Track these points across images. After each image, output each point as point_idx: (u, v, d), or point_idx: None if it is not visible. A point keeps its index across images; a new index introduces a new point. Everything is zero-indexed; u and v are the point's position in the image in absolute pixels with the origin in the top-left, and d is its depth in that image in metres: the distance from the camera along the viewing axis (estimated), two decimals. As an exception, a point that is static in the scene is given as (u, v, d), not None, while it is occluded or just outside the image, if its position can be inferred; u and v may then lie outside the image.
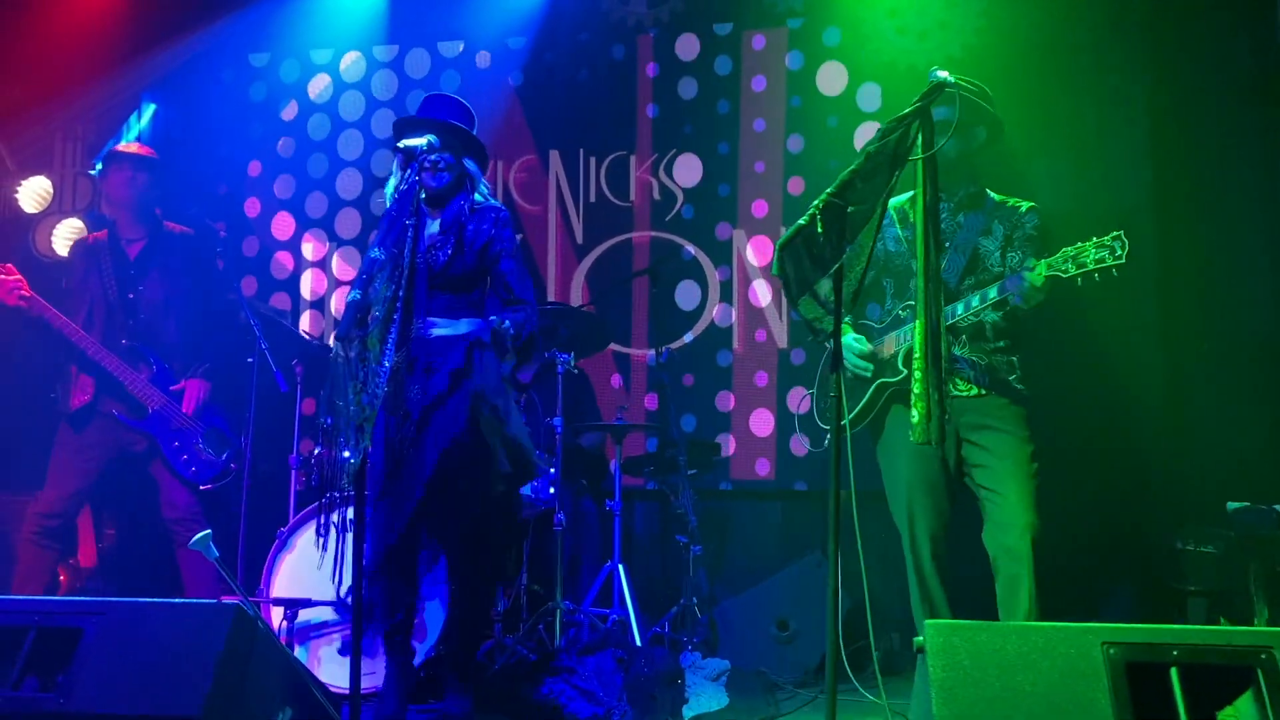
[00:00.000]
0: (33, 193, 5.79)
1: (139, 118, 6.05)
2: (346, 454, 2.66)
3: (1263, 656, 2.13)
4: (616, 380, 5.50)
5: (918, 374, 2.78)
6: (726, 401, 5.39)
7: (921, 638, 2.11)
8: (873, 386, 3.41)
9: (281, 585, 3.85)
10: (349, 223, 5.86)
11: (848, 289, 2.57)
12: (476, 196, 3.30)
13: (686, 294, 5.50)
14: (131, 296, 4.36)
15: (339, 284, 5.82)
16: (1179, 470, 4.49)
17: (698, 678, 3.99)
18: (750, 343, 5.43)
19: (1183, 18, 5.00)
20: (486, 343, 3.22)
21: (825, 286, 2.53)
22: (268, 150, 5.96)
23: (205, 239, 4.60)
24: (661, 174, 5.61)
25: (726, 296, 5.47)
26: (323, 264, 5.88)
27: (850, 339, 3.47)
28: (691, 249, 5.53)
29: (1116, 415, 4.60)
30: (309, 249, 5.88)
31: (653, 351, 5.42)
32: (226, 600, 2.26)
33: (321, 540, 3.48)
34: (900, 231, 3.56)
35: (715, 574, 5.15)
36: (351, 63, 5.94)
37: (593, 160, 5.70)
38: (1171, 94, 5.02)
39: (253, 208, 5.94)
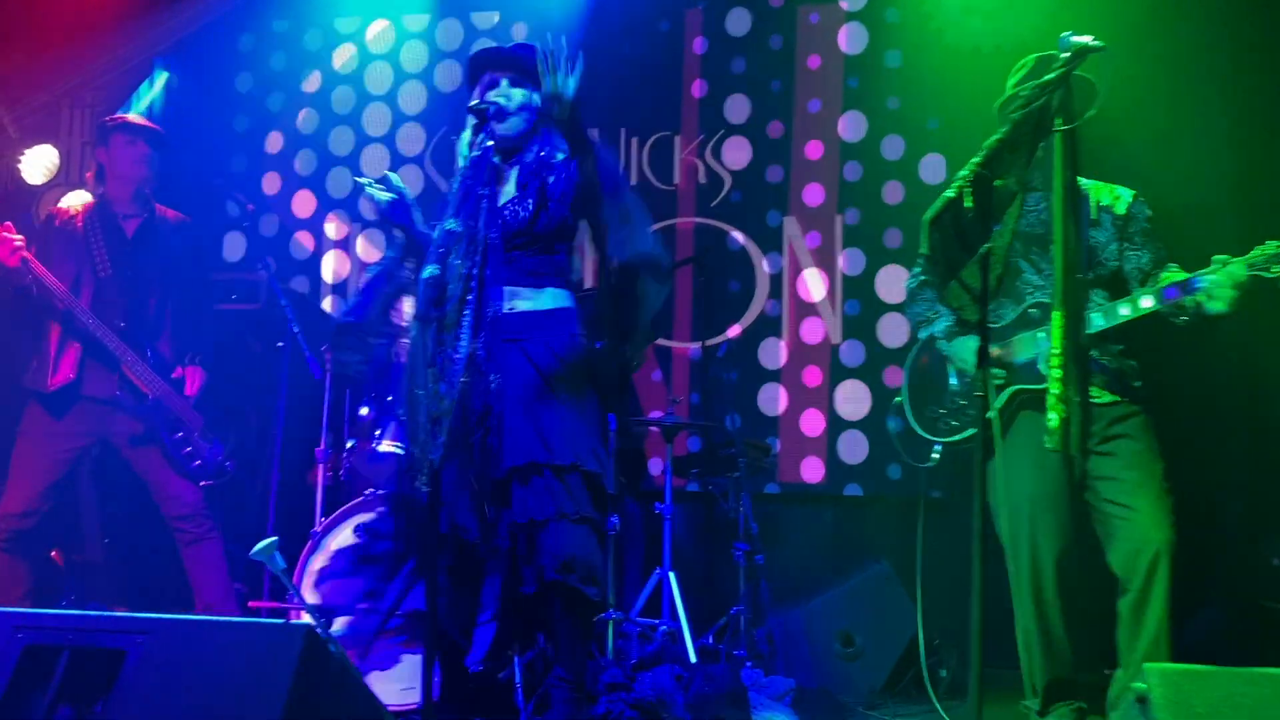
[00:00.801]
0: (38, 163, 5.41)
1: (151, 86, 5.69)
2: (418, 451, 2.32)
3: None
4: (657, 374, 5.19)
5: (1055, 374, 2.48)
6: (774, 399, 5.08)
7: (1143, 684, 1.82)
8: (1006, 393, 3.07)
9: (314, 589, 3.52)
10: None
11: (992, 274, 2.27)
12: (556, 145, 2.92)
13: (733, 284, 5.18)
14: (130, 274, 4.00)
15: (363, 266, 5.49)
16: (1272, 480, 4.21)
17: (762, 697, 3.69)
18: (800, 337, 5.12)
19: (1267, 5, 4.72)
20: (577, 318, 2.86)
21: (971, 271, 2.22)
22: (288, 123, 5.62)
23: (200, 226, 4.28)
24: (708, 156, 5.30)
25: (776, 288, 5.16)
26: (345, 245, 5.54)
27: (971, 342, 3.12)
28: (739, 236, 5.22)
29: (1204, 420, 4.31)
30: (331, 229, 5.54)
31: (696, 345, 5.12)
32: (295, 620, 1.94)
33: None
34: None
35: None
36: (379, 32, 5.60)
37: (635, 140, 5.38)
38: (1254, 86, 4.73)
39: (271, 184, 5.59)
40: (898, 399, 3.40)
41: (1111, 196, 3.18)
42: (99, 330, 3.83)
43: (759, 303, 5.16)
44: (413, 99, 5.54)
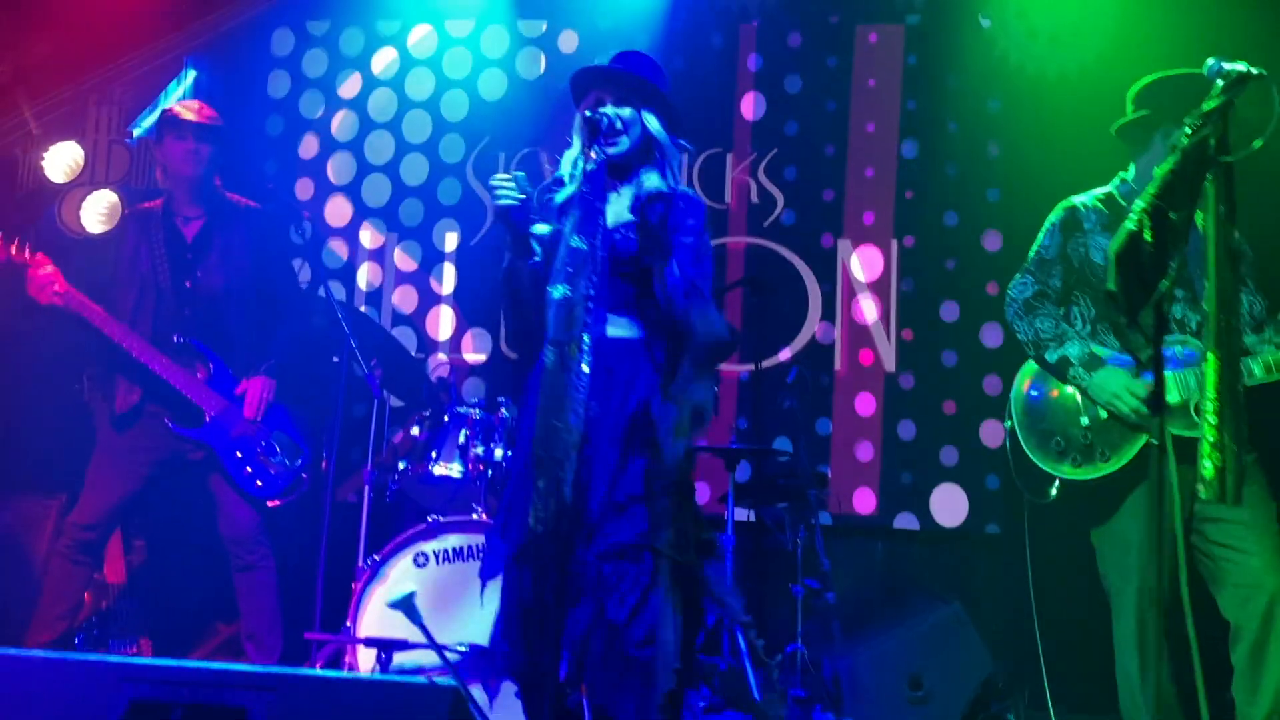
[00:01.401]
0: (61, 160, 5.22)
1: (180, 84, 5.49)
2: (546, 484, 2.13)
3: None
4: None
5: (1211, 419, 2.33)
6: (825, 427, 4.93)
7: None
8: (1145, 437, 2.91)
9: (373, 621, 3.33)
10: (412, 211, 5.33)
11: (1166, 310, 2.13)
12: (666, 176, 2.76)
13: (785, 307, 5.03)
14: (188, 285, 3.81)
15: (401, 277, 5.29)
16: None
17: (837, 743, 3.52)
18: (853, 364, 4.97)
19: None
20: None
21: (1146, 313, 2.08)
22: (323, 128, 5.43)
23: (274, 215, 4.07)
24: (761, 175, 5.15)
25: (829, 312, 5.02)
26: (380, 255, 5.35)
27: (1125, 379, 2.98)
28: (794, 259, 5.07)
29: None
30: (366, 237, 5.34)
31: (747, 368, 4.96)
32: (440, 680, 1.75)
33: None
34: (1109, 240, 3.09)
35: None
36: (422, 37, 5.42)
37: (685, 157, 5.21)
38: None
39: (304, 189, 5.40)
40: (1009, 423, 3.21)
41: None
42: (145, 355, 3.64)
43: (811, 327, 5.01)
44: (456, 107, 5.37)
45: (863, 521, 4.86)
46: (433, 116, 5.37)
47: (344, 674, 1.76)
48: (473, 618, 3.29)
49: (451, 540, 3.38)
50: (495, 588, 2.52)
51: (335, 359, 3.69)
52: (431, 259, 5.27)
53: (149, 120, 5.28)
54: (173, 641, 4.08)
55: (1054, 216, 3.23)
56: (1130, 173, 3.23)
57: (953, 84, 5.04)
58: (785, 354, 5.00)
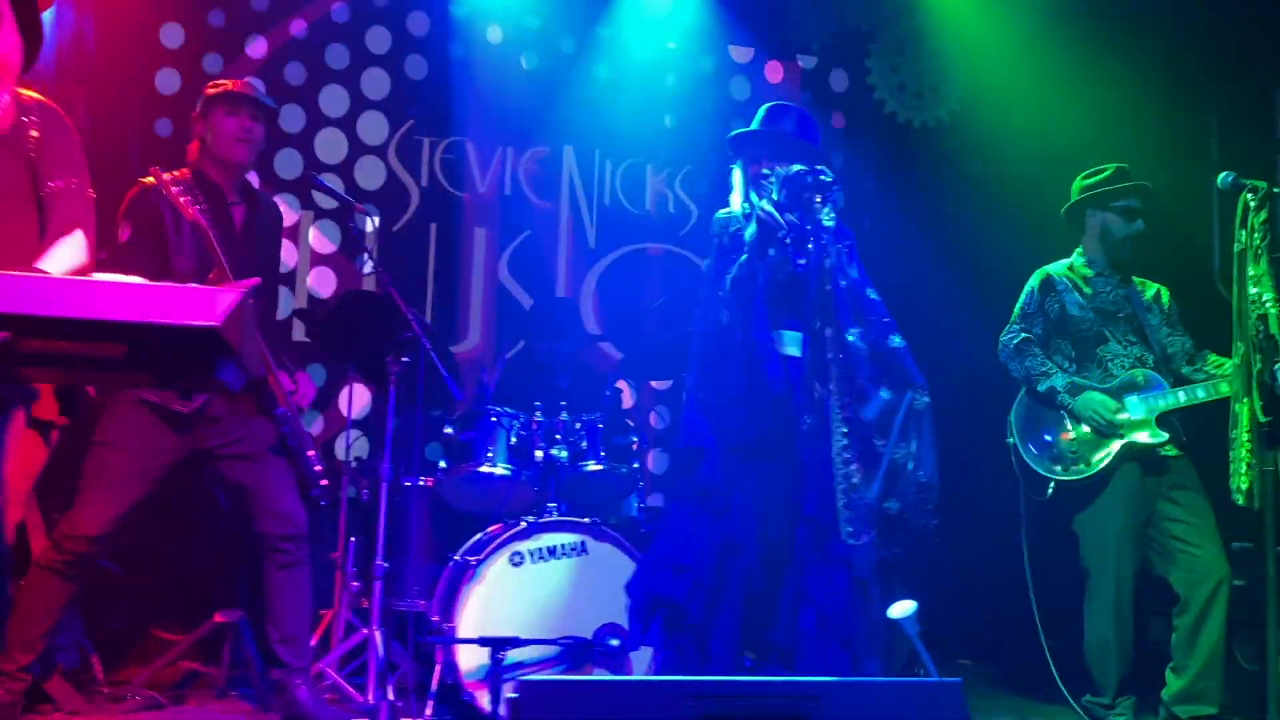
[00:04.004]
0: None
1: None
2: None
3: None
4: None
5: (1246, 445, 3.19)
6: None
7: None
8: (1123, 444, 3.75)
9: (472, 621, 3.41)
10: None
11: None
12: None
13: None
14: (244, 272, 3.51)
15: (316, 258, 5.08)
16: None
17: None
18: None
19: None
20: None
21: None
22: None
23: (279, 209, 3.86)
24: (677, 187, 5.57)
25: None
26: (293, 235, 5.09)
27: (1102, 399, 3.79)
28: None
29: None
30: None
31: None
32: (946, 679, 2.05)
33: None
34: (1080, 297, 3.93)
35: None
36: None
37: (608, 163, 5.51)
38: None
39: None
40: (1011, 439, 3.96)
41: (1154, 289, 3.99)
42: None
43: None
44: (376, 84, 5.22)
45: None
46: (351, 93, 5.19)
47: (869, 680, 2.02)
48: (569, 612, 3.49)
49: (544, 539, 3.52)
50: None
51: (405, 359, 3.60)
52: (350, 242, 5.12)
53: None
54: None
55: (1033, 282, 4.01)
56: (1080, 248, 4.07)
57: (836, 123, 5.77)
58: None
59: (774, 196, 3.06)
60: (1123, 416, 3.76)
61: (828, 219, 3.01)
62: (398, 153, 5.22)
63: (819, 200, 2.93)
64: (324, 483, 3.54)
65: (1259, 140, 5.04)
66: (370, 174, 5.17)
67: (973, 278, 5.06)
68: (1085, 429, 3.80)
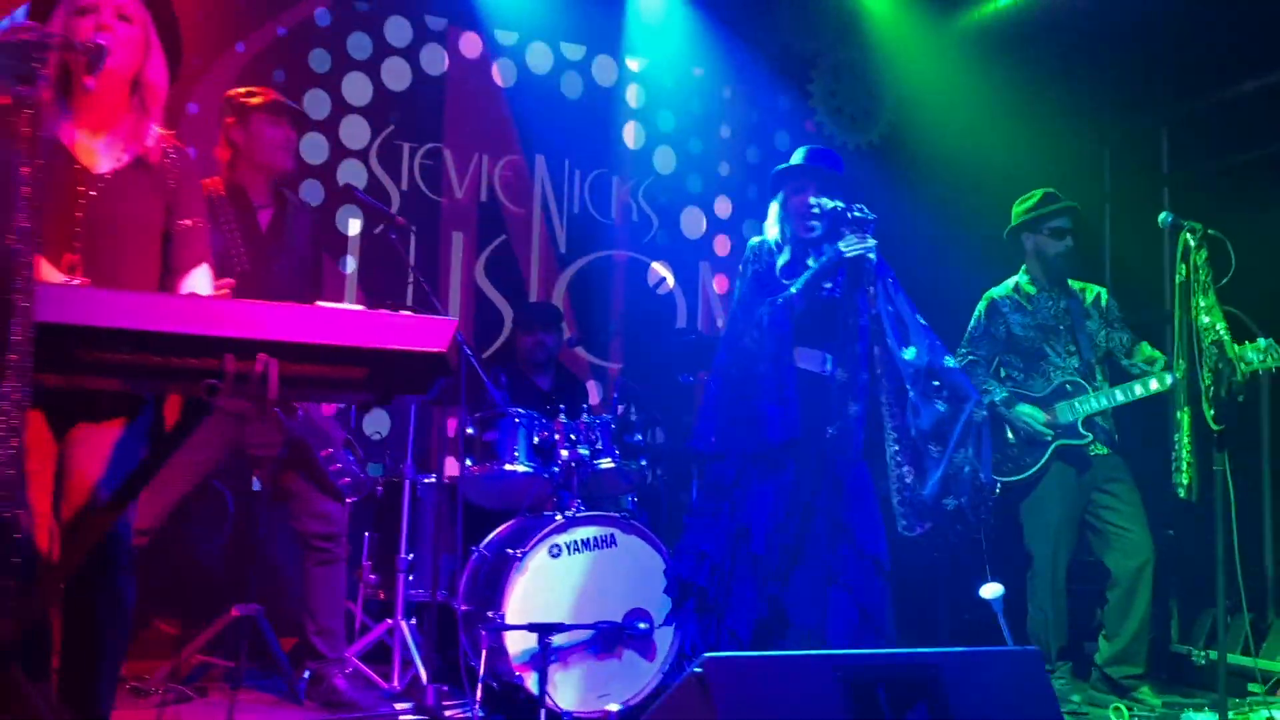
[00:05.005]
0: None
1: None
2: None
3: None
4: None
5: (1187, 447, 3.80)
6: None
7: None
8: (1052, 446, 4.31)
9: (519, 607, 3.69)
10: (311, 193, 5.25)
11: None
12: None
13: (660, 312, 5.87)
14: (265, 273, 3.69)
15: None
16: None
17: None
18: (708, 366, 5.99)
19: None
20: None
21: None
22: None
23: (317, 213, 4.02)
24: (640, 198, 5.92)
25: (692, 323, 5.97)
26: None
27: (1029, 409, 4.33)
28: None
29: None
30: (265, 215, 5.14)
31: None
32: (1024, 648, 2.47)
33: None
34: (1022, 317, 4.49)
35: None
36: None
37: (578, 173, 5.80)
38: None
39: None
40: None
41: (1094, 293, 4.57)
42: None
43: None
44: (358, 90, 5.36)
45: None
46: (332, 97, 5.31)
47: (968, 650, 2.42)
48: (601, 599, 3.82)
49: (579, 533, 3.82)
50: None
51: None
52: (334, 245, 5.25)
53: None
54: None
55: (980, 307, 4.55)
56: (1024, 266, 4.63)
57: (780, 143, 6.23)
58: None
59: (813, 226, 3.46)
60: (1050, 422, 4.34)
61: (851, 250, 3.38)
62: (378, 157, 5.37)
63: (857, 235, 3.32)
64: (346, 480, 3.76)
65: (1146, 176, 5.78)
66: (352, 178, 5.29)
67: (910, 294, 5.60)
68: (1022, 436, 4.37)
